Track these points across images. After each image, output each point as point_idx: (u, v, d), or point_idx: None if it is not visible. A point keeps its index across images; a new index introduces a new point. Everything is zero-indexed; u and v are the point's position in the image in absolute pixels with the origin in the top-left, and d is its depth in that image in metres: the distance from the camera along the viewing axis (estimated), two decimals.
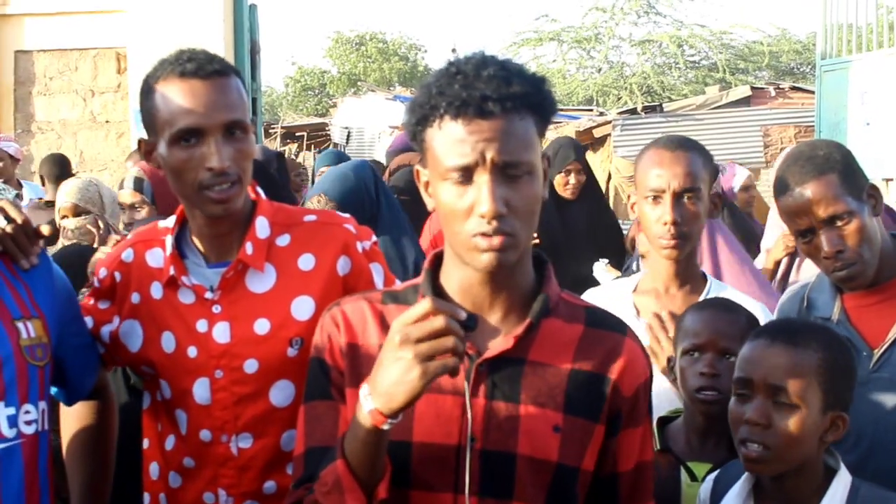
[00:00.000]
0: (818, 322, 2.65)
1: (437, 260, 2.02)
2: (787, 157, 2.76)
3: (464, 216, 1.84)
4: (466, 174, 1.82)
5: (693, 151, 2.90)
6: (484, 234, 1.82)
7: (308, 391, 2.04)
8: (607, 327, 2.03)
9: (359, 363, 1.96)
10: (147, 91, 2.44)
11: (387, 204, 4.53)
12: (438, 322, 1.71)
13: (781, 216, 2.71)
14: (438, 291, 1.97)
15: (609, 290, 3.19)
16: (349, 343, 2.00)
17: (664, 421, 2.70)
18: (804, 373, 2.21)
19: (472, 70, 1.83)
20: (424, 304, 1.73)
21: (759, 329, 2.35)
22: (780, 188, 2.67)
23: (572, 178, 6.19)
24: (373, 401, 1.76)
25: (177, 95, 2.37)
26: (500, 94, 1.80)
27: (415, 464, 1.91)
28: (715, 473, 2.48)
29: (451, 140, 1.82)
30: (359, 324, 2.01)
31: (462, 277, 1.94)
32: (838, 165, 2.63)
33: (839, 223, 2.60)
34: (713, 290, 2.96)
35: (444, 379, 1.84)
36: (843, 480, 2.27)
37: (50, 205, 5.90)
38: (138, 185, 4.18)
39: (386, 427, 1.77)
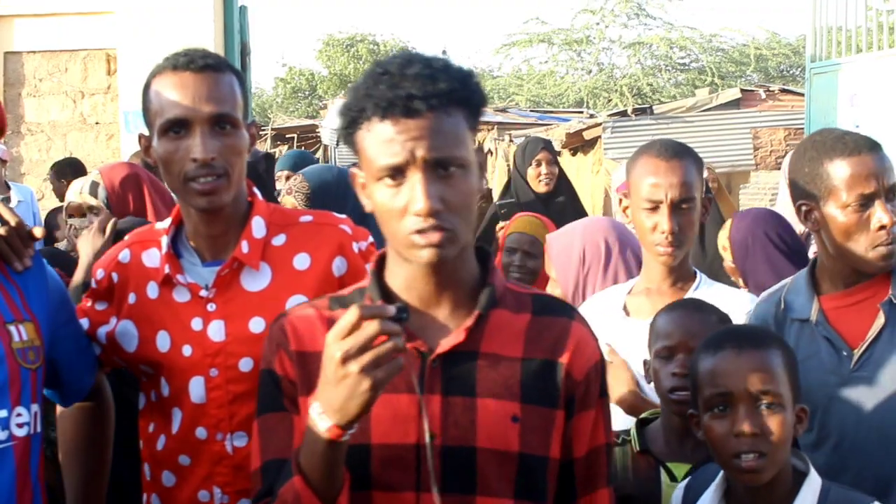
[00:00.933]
0: (752, 325, 2.68)
1: (382, 260, 2.02)
2: (823, 137, 2.70)
3: (399, 215, 1.84)
4: (398, 173, 1.83)
5: (687, 159, 2.94)
6: (421, 231, 1.83)
7: (260, 404, 2.03)
8: (554, 313, 2.02)
9: (310, 371, 1.92)
10: (146, 87, 2.48)
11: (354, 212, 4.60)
12: (372, 328, 1.70)
13: (839, 181, 2.60)
14: (385, 291, 1.98)
15: (607, 292, 3.23)
16: (298, 352, 1.98)
17: (644, 422, 2.72)
18: (778, 373, 2.23)
19: (398, 69, 1.83)
20: (352, 313, 1.71)
21: (713, 341, 2.31)
22: (836, 151, 2.60)
23: (543, 168, 6.22)
24: (328, 418, 1.75)
25: (167, 88, 2.41)
26: (426, 92, 1.81)
27: (375, 466, 1.91)
28: (686, 480, 2.48)
29: (381, 141, 1.83)
30: (307, 332, 1.99)
31: (406, 275, 1.94)
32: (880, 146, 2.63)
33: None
34: (702, 286, 3.01)
35: (399, 378, 1.83)
36: (813, 483, 2.26)
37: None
38: (93, 189, 4.10)
39: (344, 439, 1.77)
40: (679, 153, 2.95)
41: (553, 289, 3.61)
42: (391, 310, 1.73)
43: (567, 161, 17.01)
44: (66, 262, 3.78)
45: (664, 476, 2.60)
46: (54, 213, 6.47)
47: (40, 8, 9.48)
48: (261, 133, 22.86)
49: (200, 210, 2.44)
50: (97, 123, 9.67)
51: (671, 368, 2.63)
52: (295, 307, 2.09)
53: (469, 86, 1.88)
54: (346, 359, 1.70)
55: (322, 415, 1.76)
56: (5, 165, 7.99)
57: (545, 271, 3.77)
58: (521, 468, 1.92)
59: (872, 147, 2.61)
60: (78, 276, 3.43)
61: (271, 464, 1.95)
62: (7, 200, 7.34)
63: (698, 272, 3.07)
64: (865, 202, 2.57)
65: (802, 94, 13.61)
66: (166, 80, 2.42)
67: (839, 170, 2.59)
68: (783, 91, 17.64)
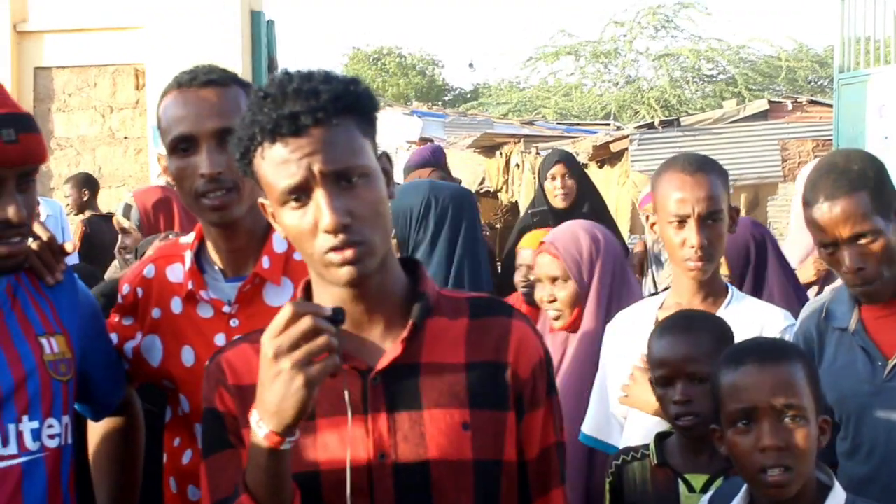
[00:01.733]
0: (772, 338, 2.67)
1: (308, 287, 1.97)
2: (821, 166, 2.73)
3: (310, 235, 1.80)
4: (302, 193, 1.79)
5: (712, 173, 2.93)
6: (335, 249, 1.79)
7: (205, 445, 1.97)
8: (492, 313, 1.98)
9: (249, 404, 1.82)
10: (158, 108, 2.50)
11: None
12: (305, 323, 1.66)
13: (807, 225, 2.69)
14: None
15: (638, 306, 3.22)
16: (236, 386, 1.92)
17: (662, 436, 2.73)
18: (801, 385, 2.21)
19: (277, 90, 1.80)
20: (286, 310, 1.68)
21: (733, 355, 2.30)
22: (810, 199, 2.65)
23: (558, 183, 6.15)
24: (265, 424, 1.71)
25: (173, 105, 2.44)
26: (310, 107, 1.77)
27: (326, 492, 1.85)
28: (709, 494, 2.48)
29: (276, 163, 1.79)
30: (243, 366, 1.93)
31: (333, 297, 1.87)
32: (871, 182, 2.61)
33: (863, 241, 2.59)
34: (734, 301, 2.99)
35: (341, 401, 1.82)
36: (837, 497, 2.23)
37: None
38: (126, 211, 4.18)
39: (284, 447, 1.72)
40: (703, 166, 2.94)
41: (557, 290, 3.58)
42: (326, 310, 1.70)
43: (594, 173, 16.95)
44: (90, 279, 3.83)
45: (682, 487, 2.61)
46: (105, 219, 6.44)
47: (69, 24, 9.57)
48: None
49: (214, 225, 2.46)
50: (126, 138, 9.74)
51: (672, 397, 2.63)
52: (228, 343, 2.03)
53: (353, 92, 1.84)
54: (278, 355, 1.67)
55: (259, 422, 1.72)
56: None
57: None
58: (478, 476, 1.88)
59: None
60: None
61: (224, 501, 1.88)
62: (36, 215, 7.38)
63: (730, 286, 3.05)
64: None
65: (831, 106, 13.52)
66: (172, 99, 2.44)
67: None
68: (811, 102, 17.52)
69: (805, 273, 5.11)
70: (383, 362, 1.88)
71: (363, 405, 1.86)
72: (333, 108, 1.79)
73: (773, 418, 2.18)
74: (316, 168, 1.77)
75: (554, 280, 3.58)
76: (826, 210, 2.60)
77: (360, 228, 1.79)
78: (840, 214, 2.58)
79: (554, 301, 3.58)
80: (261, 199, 1.93)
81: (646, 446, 2.73)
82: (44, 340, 2.33)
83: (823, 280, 5.12)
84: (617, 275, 3.57)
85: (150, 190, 4.35)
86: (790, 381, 2.20)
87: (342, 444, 1.85)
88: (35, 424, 2.26)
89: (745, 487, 2.29)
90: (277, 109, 1.78)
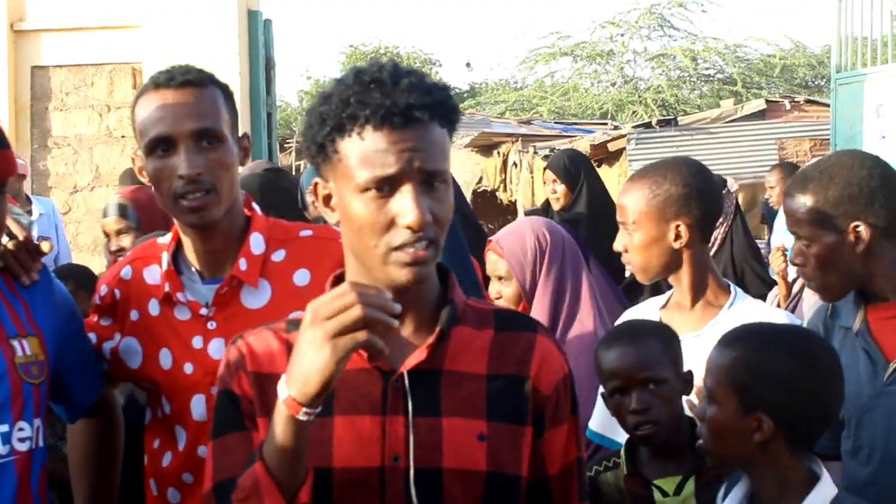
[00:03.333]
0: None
1: (338, 281, 1.96)
2: (807, 165, 2.79)
3: (383, 229, 1.78)
4: (388, 185, 1.77)
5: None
6: (405, 246, 1.77)
7: (217, 426, 1.95)
8: (518, 328, 1.98)
9: (268, 393, 1.83)
10: (132, 109, 2.48)
11: None
12: (349, 297, 1.64)
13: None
14: None
15: (642, 307, 3.23)
16: (256, 373, 1.91)
17: (633, 444, 2.74)
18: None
19: (389, 78, 1.78)
20: (344, 285, 1.68)
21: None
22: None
23: (549, 188, 6.36)
24: (287, 388, 1.69)
25: (149, 106, 2.41)
26: (424, 103, 1.77)
27: (337, 490, 1.84)
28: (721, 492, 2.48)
29: (373, 150, 1.76)
30: (265, 354, 1.93)
31: None
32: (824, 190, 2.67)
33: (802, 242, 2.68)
34: (737, 301, 2.98)
35: (362, 399, 1.81)
36: (822, 490, 2.18)
37: None
38: (122, 210, 4.12)
39: (303, 417, 1.69)
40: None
41: (504, 287, 3.58)
42: (387, 294, 1.69)
43: None
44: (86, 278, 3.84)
45: (657, 494, 2.63)
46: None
47: (66, 22, 9.55)
48: (285, 146, 22.92)
49: (192, 226, 2.44)
50: (123, 137, 9.72)
51: (630, 405, 2.64)
52: (252, 329, 2.01)
53: (452, 101, 1.85)
54: (314, 322, 1.66)
55: (283, 384, 1.71)
56: (24, 180, 8.04)
57: (487, 273, 3.74)
58: (489, 488, 1.87)
59: None
60: None
61: (225, 483, 1.87)
62: (29, 213, 7.38)
63: (733, 286, 3.04)
64: None
65: (828, 105, 13.53)
66: (148, 99, 2.42)
67: None
68: (808, 102, 17.55)
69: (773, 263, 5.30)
70: (407, 365, 1.87)
71: (382, 406, 1.86)
72: (439, 110, 1.80)
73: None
74: (416, 164, 1.76)
75: (500, 278, 3.60)
76: (787, 203, 2.70)
77: (435, 230, 1.80)
78: (787, 210, 2.69)
79: (499, 298, 3.60)
80: (317, 180, 1.90)
81: (618, 454, 2.75)
82: (15, 343, 2.31)
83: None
84: (567, 273, 3.56)
85: (137, 189, 4.30)
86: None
87: (358, 443, 1.85)
88: (5, 428, 2.24)
89: (744, 478, 2.30)
90: (391, 97, 1.76)
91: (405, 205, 1.76)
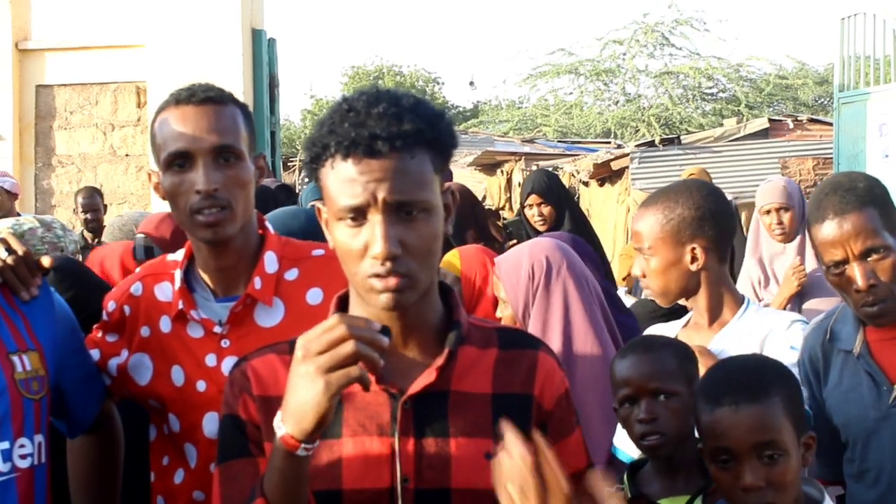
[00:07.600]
0: (752, 357, 2.51)
1: (342, 301, 1.98)
2: (825, 186, 2.70)
3: (358, 257, 1.80)
4: (359, 214, 1.78)
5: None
6: (378, 276, 1.78)
7: (222, 451, 1.95)
8: (521, 346, 2.00)
9: (273, 416, 1.80)
10: (152, 124, 2.50)
11: None
12: (339, 331, 1.65)
13: (814, 245, 2.65)
14: None
15: (665, 327, 3.22)
16: (261, 396, 1.91)
17: (636, 467, 2.70)
18: (778, 421, 2.16)
19: (364, 107, 1.78)
20: (332, 318, 1.68)
21: (711, 393, 2.25)
22: (818, 217, 2.61)
23: (535, 211, 6.31)
24: (284, 426, 1.70)
25: (170, 122, 2.42)
26: (391, 133, 1.76)
27: None
28: None
29: (342, 180, 1.78)
30: (269, 376, 1.93)
31: (370, 316, 1.83)
32: (879, 199, 2.59)
33: (874, 256, 2.54)
34: (749, 309, 2.99)
35: (371, 421, 1.82)
36: None
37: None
38: (148, 253, 4.09)
39: (301, 454, 1.70)
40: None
41: (503, 310, 3.60)
42: (376, 325, 1.69)
43: (594, 191, 16.98)
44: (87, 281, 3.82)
45: None
46: None
47: (71, 42, 9.60)
48: (289, 164, 22.94)
49: (206, 242, 2.44)
50: (127, 155, 9.76)
51: (637, 415, 2.61)
52: (255, 351, 2.01)
53: (437, 127, 1.83)
54: (305, 357, 1.67)
55: (280, 422, 1.71)
56: (15, 199, 8.04)
57: (494, 294, 3.74)
58: None
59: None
60: None
61: None
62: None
63: (746, 299, 3.04)
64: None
65: (831, 124, 13.54)
66: (169, 115, 2.43)
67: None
68: (811, 121, 17.54)
69: (788, 287, 5.18)
70: (415, 387, 1.87)
71: (391, 427, 1.86)
72: (414, 138, 1.78)
73: (751, 457, 2.15)
74: (380, 195, 1.76)
75: (501, 300, 3.62)
76: (836, 226, 2.56)
77: (407, 261, 1.79)
78: (851, 230, 2.54)
79: (500, 320, 3.60)
80: (317, 204, 1.93)
81: (622, 478, 2.70)
82: (15, 358, 2.30)
83: (799, 297, 5.17)
84: (559, 300, 3.52)
85: (156, 219, 4.25)
86: (766, 420, 2.15)
87: (367, 464, 1.85)
88: (6, 445, 2.23)
89: None
90: (358, 127, 1.77)
91: (372, 235, 1.78)
